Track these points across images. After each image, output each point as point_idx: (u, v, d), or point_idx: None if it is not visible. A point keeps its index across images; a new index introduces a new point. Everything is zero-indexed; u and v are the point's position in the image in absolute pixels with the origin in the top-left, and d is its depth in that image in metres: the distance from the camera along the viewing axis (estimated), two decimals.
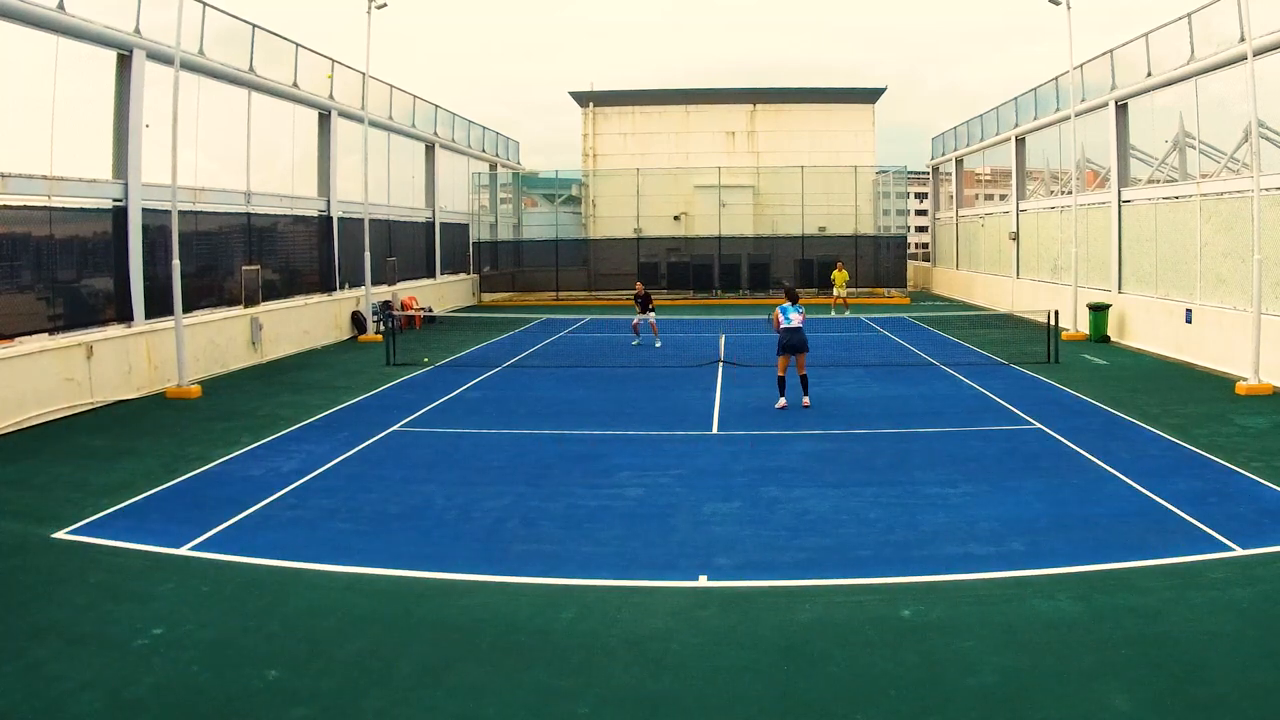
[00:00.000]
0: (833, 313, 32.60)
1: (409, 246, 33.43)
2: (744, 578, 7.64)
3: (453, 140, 38.31)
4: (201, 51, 19.99)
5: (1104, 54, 25.09)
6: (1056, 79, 29.06)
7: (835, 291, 33.53)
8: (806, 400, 14.67)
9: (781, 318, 14.64)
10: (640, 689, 5.77)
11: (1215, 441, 12.15)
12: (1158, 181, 22.97)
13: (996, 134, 35.59)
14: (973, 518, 9.12)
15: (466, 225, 41.18)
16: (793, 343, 14.48)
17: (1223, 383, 16.96)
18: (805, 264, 42.55)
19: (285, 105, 24.52)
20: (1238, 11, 17.72)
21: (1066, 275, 26.22)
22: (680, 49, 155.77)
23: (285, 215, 24.66)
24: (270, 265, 23.58)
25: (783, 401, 14.62)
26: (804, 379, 14.73)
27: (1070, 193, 26.34)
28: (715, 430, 13.58)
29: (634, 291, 25.42)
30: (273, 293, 23.30)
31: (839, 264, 35.50)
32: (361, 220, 26.41)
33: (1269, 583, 7.30)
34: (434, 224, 36.31)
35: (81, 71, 16.74)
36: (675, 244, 43.79)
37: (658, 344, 23.86)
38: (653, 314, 24.40)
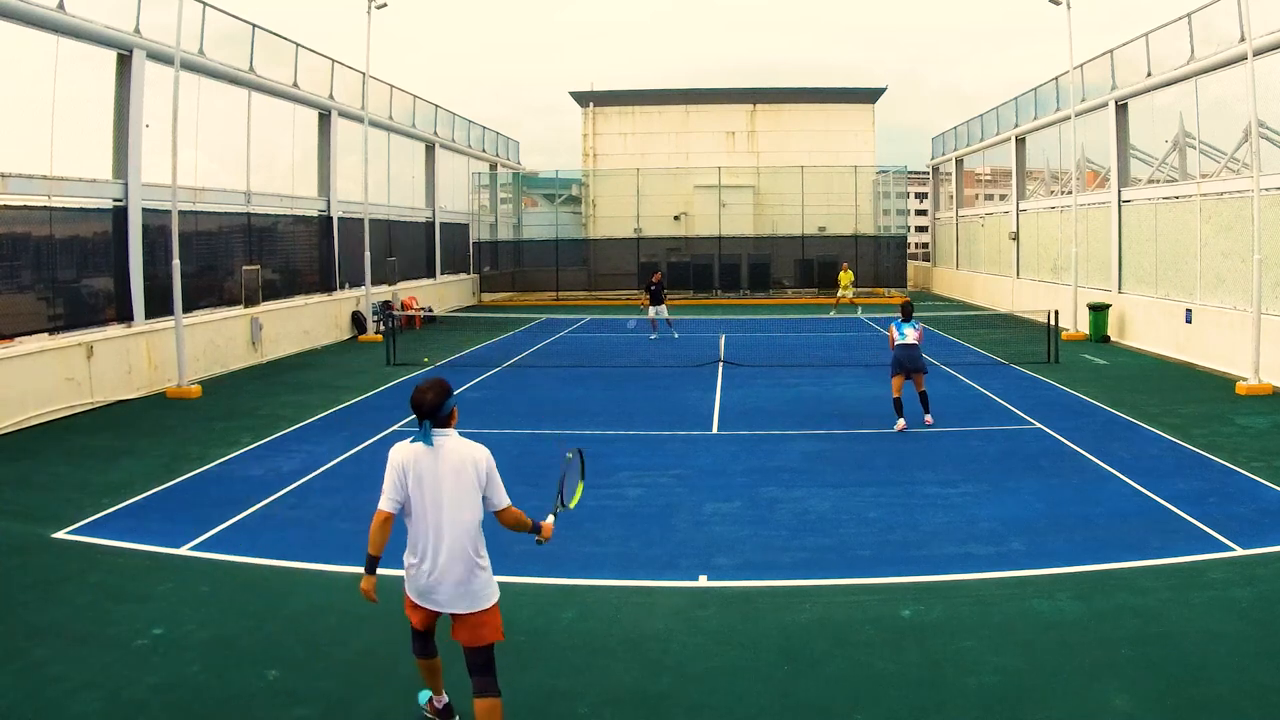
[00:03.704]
0: (831, 313, 32.70)
1: (409, 246, 33.44)
2: (744, 578, 7.63)
3: (453, 140, 38.31)
4: (201, 51, 19.99)
5: (1104, 54, 25.10)
6: (1056, 79, 29.07)
7: (840, 292, 34.02)
8: (929, 418, 13.30)
9: (896, 334, 13.43)
10: (640, 689, 5.77)
11: (1215, 441, 12.15)
12: (1158, 181, 22.97)
13: (996, 134, 35.59)
14: (972, 518, 9.12)
15: (466, 225, 41.19)
16: (906, 359, 13.18)
17: (1223, 383, 16.96)
18: (805, 264, 42.61)
19: (285, 105, 24.53)
20: (1238, 11, 17.72)
21: (1066, 275, 26.22)
22: (680, 49, 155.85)
23: (285, 215, 24.66)
24: (270, 265, 23.59)
25: (901, 423, 13.06)
26: (923, 395, 13.40)
27: (1070, 193, 26.34)
28: (715, 430, 13.58)
29: (652, 281, 26.38)
30: (273, 292, 23.30)
31: (844, 265, 36.01)
32: (361, 220, 26.43)
33: (1269, 583, 7.30)
34: (434, 224, 36.32)
35: (81, 71, 16.74)
36: (675, 244, 43.81)
37: (658, 334, 25.42)
38: (665, 308, 26.08)
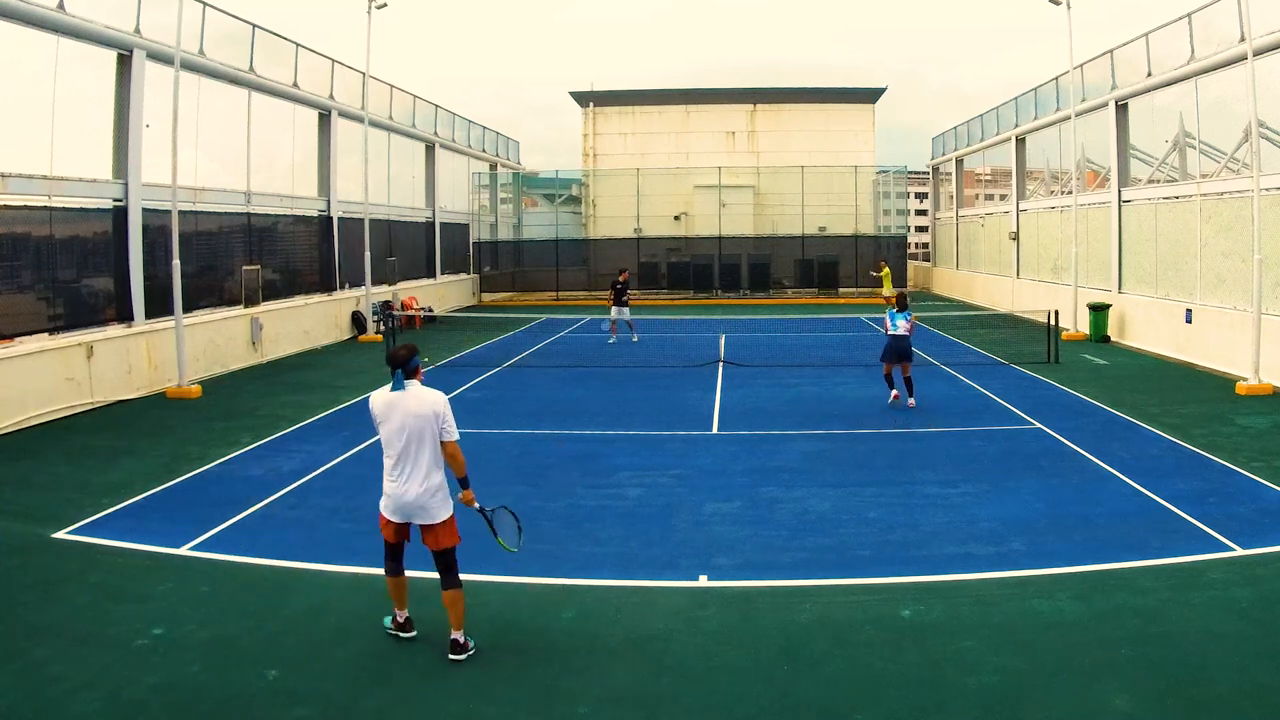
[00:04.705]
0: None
1: (409, 246, 33.43)
2: (744, 578, 7.63)
3: (453, 140, 38.30)
4: (201, 51, 19.98)
5: (1104, 54, 25.10)
6: (1056, 79, 29.07)
7: (885, 291, 34.35)
8: (912, 400, 14.66)
9: (889, 324, 14.74)
10: (640, 689, 5.77)
11: (1215, 441, 12.15)
12: (1158, 181, 22.96)
13: (996, 134, 35.59)
14: (973, 518, 9.12)
15: (466, 225, 41.18)
16: (895, 348, 14.61)
17: (1223, 383, 16.96)
18: (805, 264, 42.57)
19: (285, 105, 24.52)
20: (1238, 11, 17.72)
21: (1066, 275, 26.22)
22: (680, 49, 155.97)
23: (285, 215, 24.65)
24: (270, 265, 23.58)
25: (895, 394, 14.79)
26: (908, 381, 14.78)
27: (1070, 193, 26.34)
28: (715, 430, 13.58)
29: (618, 279, 24.29)
30: (273, 293, 23.30)
31: (882, 262, 36.40)
32: (361, 220, 26.42)
33: (1269, 583, 7.30)
34: (434, 224, 36.32)
35: (81, 71, 16.73)
36: (675, 244, 43.79)
37: (635, 338, 23.99)
38: (628, 309, 24.20)
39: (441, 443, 6.04)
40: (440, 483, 6.08)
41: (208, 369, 18.88)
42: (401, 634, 6.41)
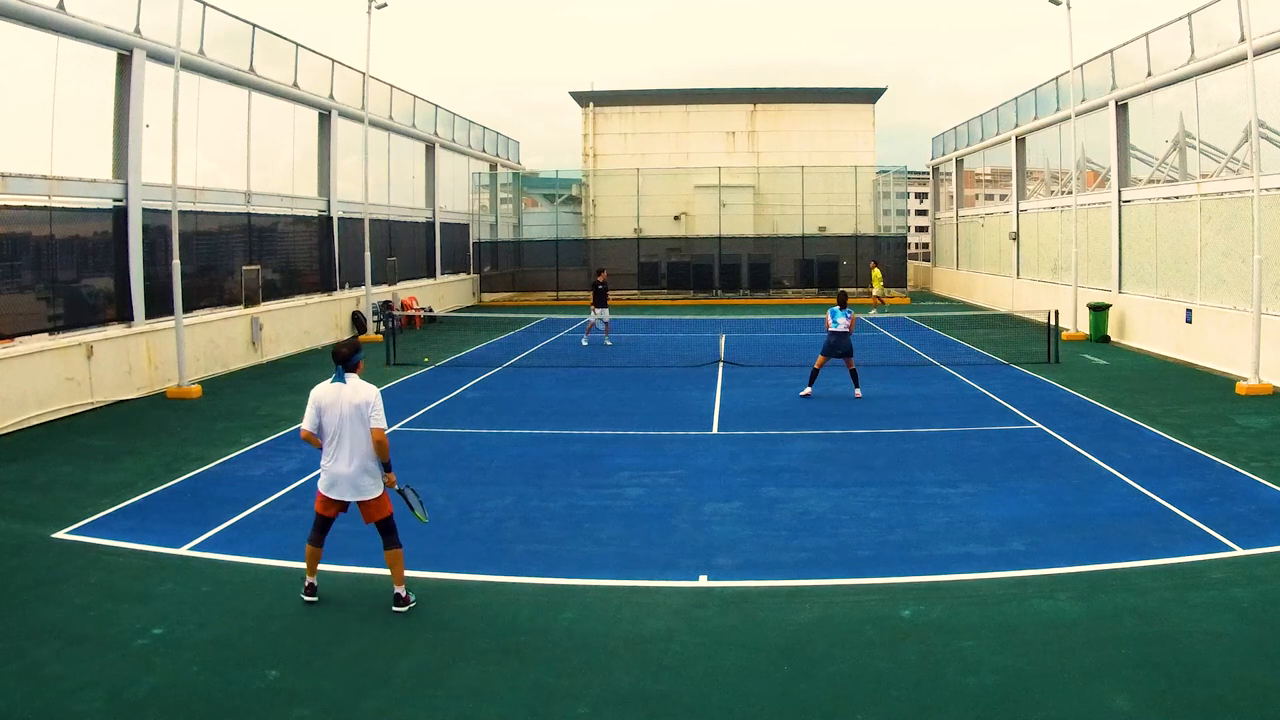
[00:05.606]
0: (872, 312, 32.35)
1: (409, 246, 33.43)
2: (744, 578, 7.63)
3: (453, 140, 38.30)
4: (201, 51, 19.98)
5: (1104, 54, 25.10)
6: (1056, 79, 29.07)
7: (876, 291, 34.38)
8: (858, 392, 15.57)
9: (830, 321, 15.56)
10: (640, 689, 5.77)
11: (1215, 441, 12.15)
12: (1158, 181, 22.97)
13: (996, 134, 35.59)
14: (973, 518, 9.12)
15: (466, 225, 41.19)
16: (837, 345, 15.51)
17: (1223, 383, 16.96)
18: (805, 264, 42.56)
19: (285, 105, 24.51)
20: (1238, 11, 17.72)
21: (1066, 275, 26.22)
22: (680, 49, 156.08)
23: (285, 215, 24.65)
24: (270, 265, 23.58)
25: (807, 390, 15.74)
26: (853, 373, 15.67)
27: (1070, 193, 26.34)
28: (715, 430, 13.58)
29: (598, 280, 23.59)
30: (273, 293, 23.29)
31: (874, 264, 36.68)
32: (361, 220, 26.43)
33: (1269, 583, 7.30)
34: (434, 224, 36.32)
35: (81, 71, 16.72)
36: (675, 244, 43.79)
37: (609, 342, 23.19)
38: (608, 310, 23.54)
39: (371, 430, 6.79)
40: (372, 465, 6.85)
41: (208, 369, 18.88)
42: (307, 597, 7.07)
